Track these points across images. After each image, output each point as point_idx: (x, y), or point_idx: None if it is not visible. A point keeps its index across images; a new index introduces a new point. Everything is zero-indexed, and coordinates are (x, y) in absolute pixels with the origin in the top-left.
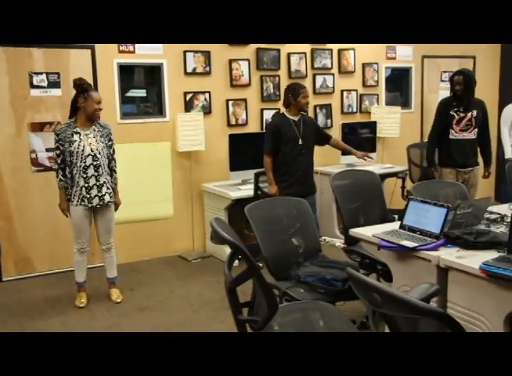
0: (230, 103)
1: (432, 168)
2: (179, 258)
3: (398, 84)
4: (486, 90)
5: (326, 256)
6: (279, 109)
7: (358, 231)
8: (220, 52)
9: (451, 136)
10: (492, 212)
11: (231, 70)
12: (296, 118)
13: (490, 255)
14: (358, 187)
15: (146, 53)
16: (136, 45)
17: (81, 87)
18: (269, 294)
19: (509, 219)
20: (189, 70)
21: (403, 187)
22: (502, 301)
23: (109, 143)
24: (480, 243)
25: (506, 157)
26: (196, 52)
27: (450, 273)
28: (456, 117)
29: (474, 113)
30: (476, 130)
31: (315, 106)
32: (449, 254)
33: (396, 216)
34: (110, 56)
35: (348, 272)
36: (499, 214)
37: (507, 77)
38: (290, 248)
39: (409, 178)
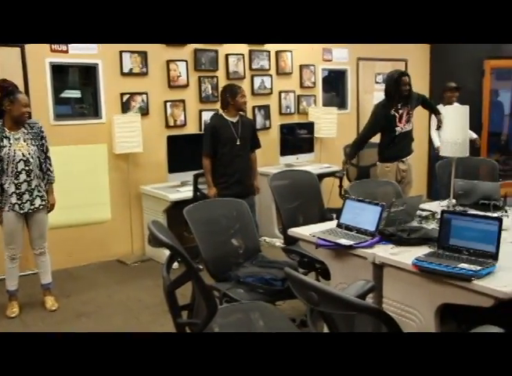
0: (168, 104)
1: (347, 161)
2: (118, 263)
3: (335, 85)
4: (417, 91)
5: (266, 256)
6: (217, 110)
7: (296, 231)
8: (157, 52)
9: (397, 133)
10: (423, 209)
11: (168, 70)
12: (234, 119)
13: (422, 251)
14: (297, 187)
15: (80, 53)
16: (69, 44)
17: (6, 89)
18: (208, 296)
19: (439, 216)
20: (126, 70)
21: (340, 186)
22: (433, 295)
23: (42, 142)
24: (412, 239)
25: (436, 146)
26: (132, 52)
27: (385, 270)
28: (397, 115)
29: (407, 105)
30: (413, 119)
31: (253, 107)
32: (384, 251)
33: (334, 215)
34: (42, 56)
35: (286, 271)
36: (430, 211)
37: (436, 79)
38: (230, 249)
39: (346, 177)
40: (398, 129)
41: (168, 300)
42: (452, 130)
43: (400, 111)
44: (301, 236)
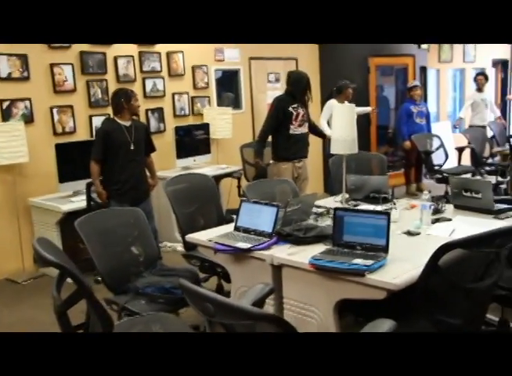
0: (55, 110)
1: (258, 160)
2: (7, 282)
3: (229, 85)
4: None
5: (165, 264)
6: (109, 114)
7: (193, 236)
8: (39, 55)
9: (291, 132)
10: (319, 206)
11: (53, 74)
12: (127, 124)
13: (318, 249)
14: (193, 191)
15: None
16: None
17: None
18: (101, 313)
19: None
20: (4, 75)
21: (239, 186)
22: (331, 292)
23: None
24: (309, 238)
25: (327, 133)
26: (10, 55)
27: (283, 270)
28: (294, 113)
29: (304, 109)
30: (307, 124)
31: (146, 111)
32: (281, 252)
33: (235, 216)
34: None
35: (180, 283)
36: (326, 207)
37: (326, 77)
38: (129, 259)
39: (244, 177)
40: (292, 128)
41: (60, 321)
42: (341, 128)
43: (297, 110)
44: (199, 242)
